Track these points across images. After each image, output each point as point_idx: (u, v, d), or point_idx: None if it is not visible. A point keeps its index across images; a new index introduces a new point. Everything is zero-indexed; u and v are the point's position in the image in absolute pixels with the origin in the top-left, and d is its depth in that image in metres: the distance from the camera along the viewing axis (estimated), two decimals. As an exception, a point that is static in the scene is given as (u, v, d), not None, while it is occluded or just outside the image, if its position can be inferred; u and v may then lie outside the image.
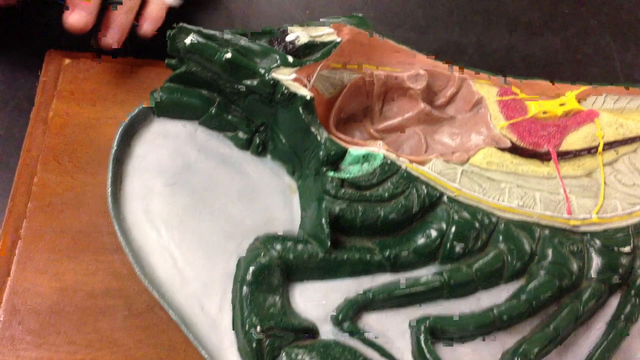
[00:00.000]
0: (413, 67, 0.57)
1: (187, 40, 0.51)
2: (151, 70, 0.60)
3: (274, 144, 0.55)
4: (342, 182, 0.50)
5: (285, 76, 0.51)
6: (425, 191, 0.50)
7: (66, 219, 0.53)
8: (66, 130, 0.56)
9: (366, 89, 0.58)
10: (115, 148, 0.53)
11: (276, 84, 0.50)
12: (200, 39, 0.51)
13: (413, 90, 0.57)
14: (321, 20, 0.55)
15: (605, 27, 0.73)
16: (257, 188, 0.54)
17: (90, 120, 0.57)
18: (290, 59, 0.51)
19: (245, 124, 0.55)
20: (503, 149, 0.54)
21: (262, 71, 0.51)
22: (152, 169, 0.53)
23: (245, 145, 0.55)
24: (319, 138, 0.51)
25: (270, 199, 0.54)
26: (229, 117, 0.54)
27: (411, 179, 0.51)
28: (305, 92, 0.50)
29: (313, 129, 0.51)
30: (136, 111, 0.54)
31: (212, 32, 0.52)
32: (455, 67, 0.57)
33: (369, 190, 0.50)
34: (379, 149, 0.52)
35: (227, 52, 0.50)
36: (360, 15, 0.56)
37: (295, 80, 0.51)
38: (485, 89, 0.57)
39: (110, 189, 0.52)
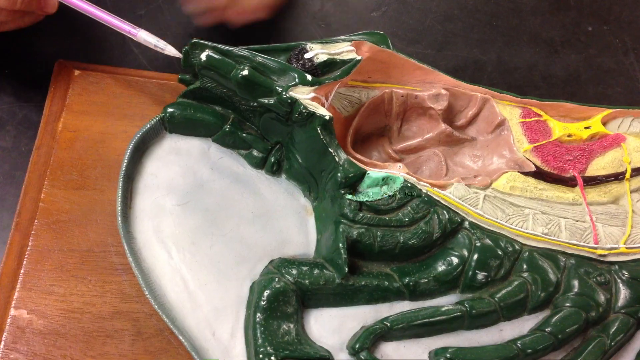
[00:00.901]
0: (433, 86, 0.56)
1: (203, 56, 0.49)
2: (164, 84, 0.58)
3: (290, 163, 0.53)
4: (361, 206, 0.48)
5: (304, 95, 0.49)
6: (447, 217, 0.49)
7: (74, 237, 0.51)
8: (75, 144, 0.55)
9: (385, 108, 0.56)
10: (125, 164, 0.52)
11: (294, 102, 0.49)
12: (216, 55, 0.49)
13: (434, 111, 0.55)
14: (340, 37, 0.53)
15: (628, 46, 0.71)
16: (271, 209, 0.52)
17: (100, 134, 0.55)
18: (308, 77, 0.49)
19: (260, 143, 0.53)
20: (527, 173, 0.53)
21: (280, 89, 0.49)
22: (164, 187, 0.52)
23: (259, 164, 0.53)
24: (337, 159, 0.49)
25: (284, 221, 0.52)
26: (244, 134, 0.53)
27: (432, 204, 0.49)
28: (323, 112, 0.49)
29: (331, 150, 0.49)
30: (148, 126, 0.53)
31: (227, 47, 0.50)
32: (477, 87, 0.56)
33: (388, 215, 0.48)
34: (398, 172, 0.50)
35: (243, 69, 0.49)
36: (380, 32, 0.54)
37: (313, 99, 0.49)
38: (508, 110, 0.56)
39: (120, 207, 0.50)
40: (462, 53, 0.69)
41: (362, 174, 0.49)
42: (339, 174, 0.49)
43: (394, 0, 0.71)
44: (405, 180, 0.49)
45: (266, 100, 0.49)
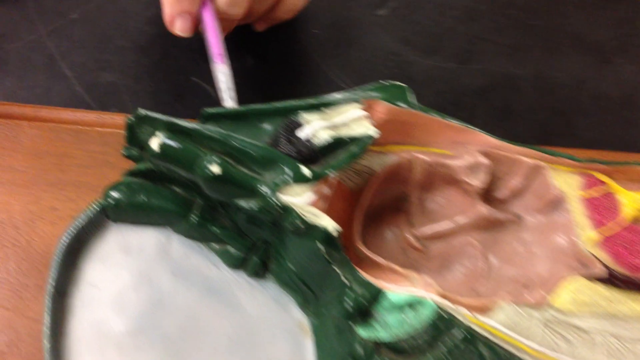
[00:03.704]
0: (467, 149, 0.42)
1: (154, 144, 0.35)
2: (107, 133, 0.43)
3: (279, 265, 0.39)
4: (378, 346, 0.36)
5: (299, 197, 0.35)
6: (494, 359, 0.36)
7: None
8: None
9: (403, 175, 0.42)
10: (56, 274, 0.38)
11: (286, 210, 0.34)
12: (174, 143, 0.34)
13: (470, 187, 0.41)
14: (346, 94, 0.39)
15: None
16: (255, 329, 0.39)
17: (20, 215, 0.41)
18: (305, 171, 0.35)
19: (239, 240, 0.39)
20: (595, 279, 0.40)
21: (265, 191, 0.35)
22: (108, 305, 0.38)
23: (238, 264, 0.40)
24: (345, 281, 0.36)
25: (273, 346, 0.39)
26: (215, 228, 0.39)
27: (474, 341, 0.36)
28: (328, 222, 0.35)
29: (337, 270, 0.36)
30: (83, 220, 0.38)
31: (190, 125, 0.35)
32: (526, 150, 0.42)
33: (416, 358, 0.36)
34: (427, 291, 0.37)
35: (212, 162, 0.34)
36: (399, 84, 0.40)
37: (313, 203, 0.35)
38: (564, 178, 0.42)
39: (47, 333, 0.37)
40: (491, 66, 0.54)
41: (378, 294, 0.36)
42: (347, 301, 0.36)
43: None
44: (439, 309, 0.36)
45: (245, 205, 0.35)
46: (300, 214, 0.34)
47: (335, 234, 0.35)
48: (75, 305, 0.38)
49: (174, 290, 0.39)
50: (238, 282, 0.40)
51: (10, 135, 0.43)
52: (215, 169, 0.34)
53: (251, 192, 0.35)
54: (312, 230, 0.35)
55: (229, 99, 0.43)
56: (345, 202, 0.41)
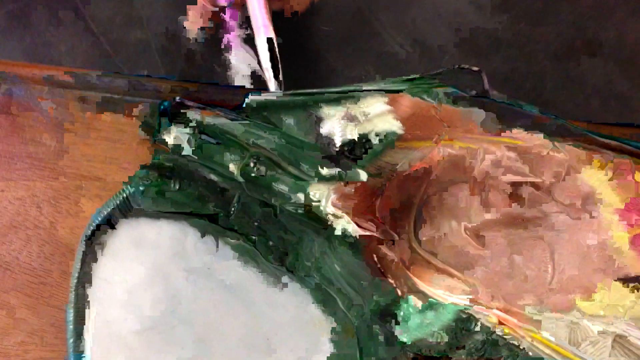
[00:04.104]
0: (495, 145, 0.37)
1: (190, 143, 0.31)
2: (140, 105, 0.40)
3: (299, 261, 0.36)
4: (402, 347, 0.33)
5: (318, 197, 0.32)
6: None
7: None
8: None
9: (464, 165, 0.38)
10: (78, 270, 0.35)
11: (338, 217, 0.31)
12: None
13: (497, 183, 0.37)
14: (372, 84, 0.34)
15: None
16: (270, 328, 0.37)
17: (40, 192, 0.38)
18: (362, 175, 0.31)
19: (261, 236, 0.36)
20: (625, 280, 0.36)
21: (316, 196, 0.32)
22: (121, 300, 0.36)
23: (277, 258, 0.37)
24: (399, 293, 0.33)
25: (288, 344, 0.37)
26: (256, 223, 0.36)
27: (497, 346, 0.33)
28: (348, 226, 0.32)
29: (390, 280, 0.33)
30: (105, 210, 0.35)
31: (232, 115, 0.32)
32: (558, 146, 0.37)
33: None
34: (490, 305, 0.34)
35: (259, 163, 0.31)
36: (429, 77, 0.35)
37: (334, 204, 0.32)
38: (596, 175, 0.37)
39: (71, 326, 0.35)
40: (568, 29, 0.48)
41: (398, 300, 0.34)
42: (368, 307, 0.33)
43: None
44: (461, 311, 0.33)
45: (292, 209, 0.33)
46: (353, 225, 0.31)
47: (359, 239, 0.31)
48: (92, 300, 0.36)
49: (189, 289, 0.37)
50: (252, 280, 0.38)
51: (30, 103, 0.39)
52: (258, 171, 0.31)
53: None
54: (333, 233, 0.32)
55: (272, 78, 0.41)
56: (361, 199, 0.38)
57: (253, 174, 0.34)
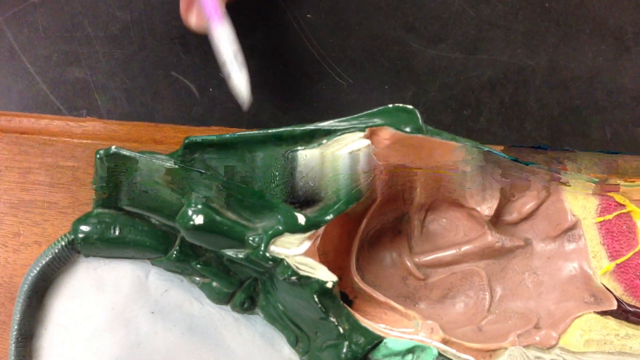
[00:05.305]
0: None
1: (123, 200, 0.30)
2: (80, 146, 0.39)
3: (268, 301, 0.36)
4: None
5: (293, 249, 0.31)
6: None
7: None
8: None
9: (405, 196, 0.39)
10: (19, 316, 0.34)
11: (278, 262, 0.31)
12: (151, 188, 0.30)
13: (478, 214, 0.37)
14: (347, 118, 0.34)
15: None
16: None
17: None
18: (300, 218, 0.31)
19: (225, 278, 0.35)
20: (606, 313, 0.37)
21: (255, 242, 0.31)
22: (79, 349, 0.35)
23: (223, 299, 0.36)
24: (340, 330, 0.32)
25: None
26: (199, 265, 0.35)
27: None
28: (324, 274, 0.31)
29: (332, 319, 0.32)
30: (48, 257, 0.34)
31: (168, 164, 0.31)
32: (540, 170, 0.38)
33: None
34: (430, 336, 0.34)
35: (197, 211, 0.30)
36: (407, 107, 0.35)
37: (307, 252, 0.31)
38: (581, 202, 0.39)
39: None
40: (501, 56, 0.49)
41: (377, 342, 0.33)
42: (343, 350, 0.32)
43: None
44: (440, 355, 0.33)
45: (233, 254, 0.31)
46: (293, 267, 0.31)
47: (331, 286, 0.31)
48: (43, 348, 0.35)
49: (153, 331, 0.36)
50: (222, 318, 0.37)
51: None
52: (197, 219, 0.30)
53: (240, 242, 0.31)
54: (307, 282, 0.31)
55: (237, 70, 0.35)
56: (341, 228, 0.37)
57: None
